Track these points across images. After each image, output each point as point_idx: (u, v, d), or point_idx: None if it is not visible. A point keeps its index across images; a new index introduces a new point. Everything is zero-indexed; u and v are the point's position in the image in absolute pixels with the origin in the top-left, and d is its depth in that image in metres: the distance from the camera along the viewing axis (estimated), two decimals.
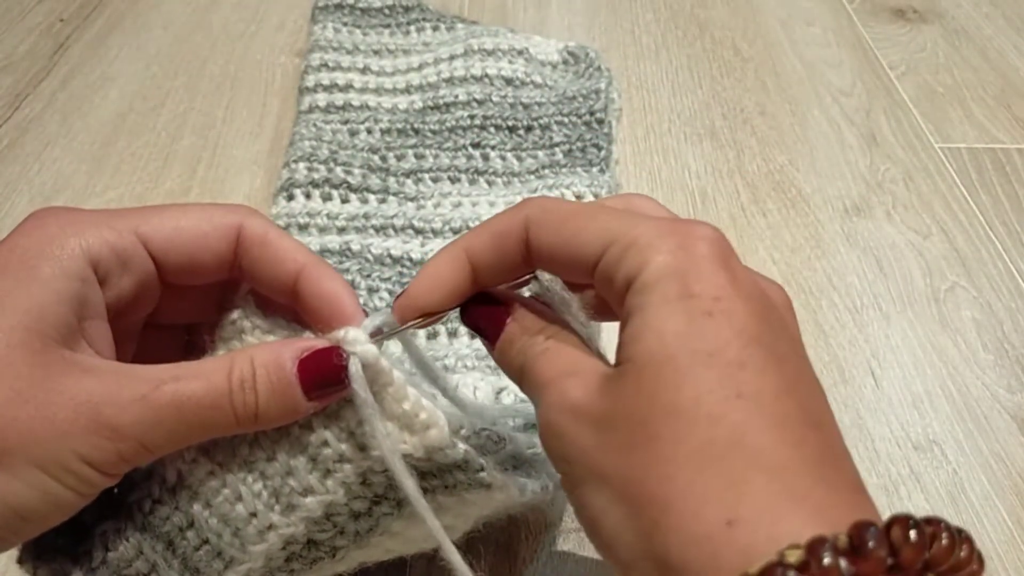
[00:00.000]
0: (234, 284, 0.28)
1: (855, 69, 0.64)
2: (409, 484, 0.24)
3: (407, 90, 0.59)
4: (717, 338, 0.20)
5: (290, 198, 0.49)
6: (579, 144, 0.53)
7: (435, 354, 0.40)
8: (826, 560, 0.16)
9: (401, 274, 0.45)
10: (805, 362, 0.22)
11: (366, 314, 0.26)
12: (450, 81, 0.58)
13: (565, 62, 0.61)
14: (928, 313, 0.46)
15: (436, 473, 0.26)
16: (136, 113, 0.60)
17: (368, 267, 0.46)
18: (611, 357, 0.24)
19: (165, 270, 0.26)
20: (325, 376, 0.24)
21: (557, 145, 0.53)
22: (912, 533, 0.17)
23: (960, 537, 0.18)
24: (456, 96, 0.56)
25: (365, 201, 0.50)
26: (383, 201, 0.50)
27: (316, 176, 0.50)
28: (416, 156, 0.53)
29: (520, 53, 0.60)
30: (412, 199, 0.50)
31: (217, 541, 0.25)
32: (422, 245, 0.47)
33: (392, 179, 0.51)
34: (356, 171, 0.51)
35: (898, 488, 0.38)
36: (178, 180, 0.54)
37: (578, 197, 0.49)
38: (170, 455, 0.25)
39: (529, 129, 0.54)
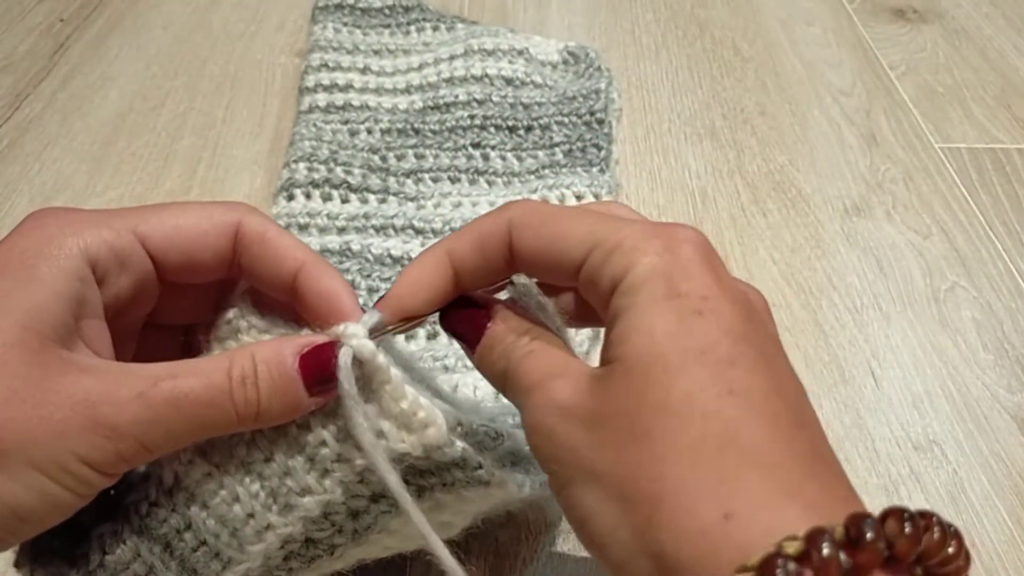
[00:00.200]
0: (232, 283, 0.28)
1: (855, 69, 0.64)
2: (392, 478, 0.23)
3: (407, 90, 0.59)
4: (707, 336, 0.20)
5: (290, 198, 0.49)
6: (579, 144, 0.53)
7: (435, 354, 0.40)
8: (825, 551, 0.17)
9: None
10: (788, 363, 0.23)
11: (364, 312, 0.26)
12: (450, 81, 0.58)
13: (565, 62, 0.61)
14: (928, 313, 0.46)
15: (434, 471, 0.26)
16: (136, 113, 0.60)
17: (368, 267, 0.46)
18: (590, 362, 0.24)
19: (164, 269, 0.26)
20: (326, 371, 0.24)
21: (557, 145, 0.53)
22: (907, 526, 0.18)
23: (950, 532, 0.18)
24: (456, 96, 0.56)
25: (365, 201, 0.50)
26: (383, 201, 0.50)
27: (316, 176, 0.50)
28: (416, 156, 0.53)
29: (520, 53, 0.60)
30: (412, 199, 0.50)
31: (215, 542, 0.25)
32: (422, 245, 0.47)
33: (392, 179, 0.51)
34: (356, 171, 0.51)
35: (898, 488, 0.38)
36: (178, 180, 0.54)
37: (578, 197, 0.49)
38: (167, 457, 0.25)
39: (529, 129, 0.54)
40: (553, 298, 0.26)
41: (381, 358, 0.24)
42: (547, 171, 0.52)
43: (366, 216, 0.49)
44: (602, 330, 0.24)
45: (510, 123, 0.54)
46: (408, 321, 0.26)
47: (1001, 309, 0.46)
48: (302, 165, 0.51)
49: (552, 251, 0.24)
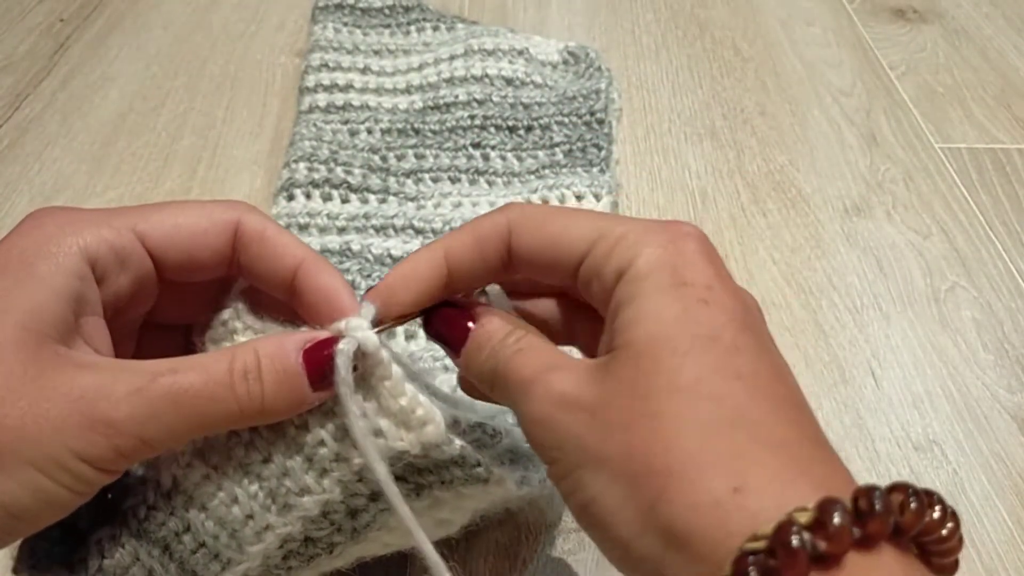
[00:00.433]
0: (229, 283, 0.28)
1: (855, 69, 0.64)
2: (381, 468, 0.23)
3: (407, 90, 0.59)
4: (714, 324, 0.21)
5: (290, 198, 0.49)
6: (579, 144, 0.53)
7: (434, 354, 0.40)
8: (837, 519, 0.17)
9: None
10: (782, 356, 0.23)
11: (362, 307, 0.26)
12: (450, 81, 0.58)
13: (565, 62, 0.61)
14: (928, 313, 0.46)
15: (432, 469, 0.26)
16: (136, 113, 0.60)
17: (368, 267, 0.46)
18: None
19: (164, 267, 0.26)
20: (329, 365, 0.24)
21: (557, 145, 0.53)
22: (912, 501, 0.18)
23: (949, 513, 0.19)
24: (456, 96, 0.56)
25: (365, 201, 0.50)
26: (383, 201, 0.50)
27: (316, 176, 0.50)
28: (416, 156, 0.53)
29: (520, 53, 0.60)
30: (412, 199, 0.50)
31: (214, 544, 0.25)
32: (422, 245, 0.47)
33: (392, 179, 0.51)
34: (356, 171, 0.51)
35: None
36: (178, 180, 0.54)
37: (578, 197, 0.49)
38: (164, 460, 0.25)
39: (529, 129, 0.54)
40: (536, 301, 0.26)
41: (384, 352, 0.24)
42: (547, 171, 0.52)
43: (366, 216, 0.49)
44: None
45: (510, 123, 0.54)
46: (402, 318, 0.26)
47: (1001, 309, 0.46)
48: (302, 165, 0.51)
49: (552, 248, 0.24)
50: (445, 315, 0.26)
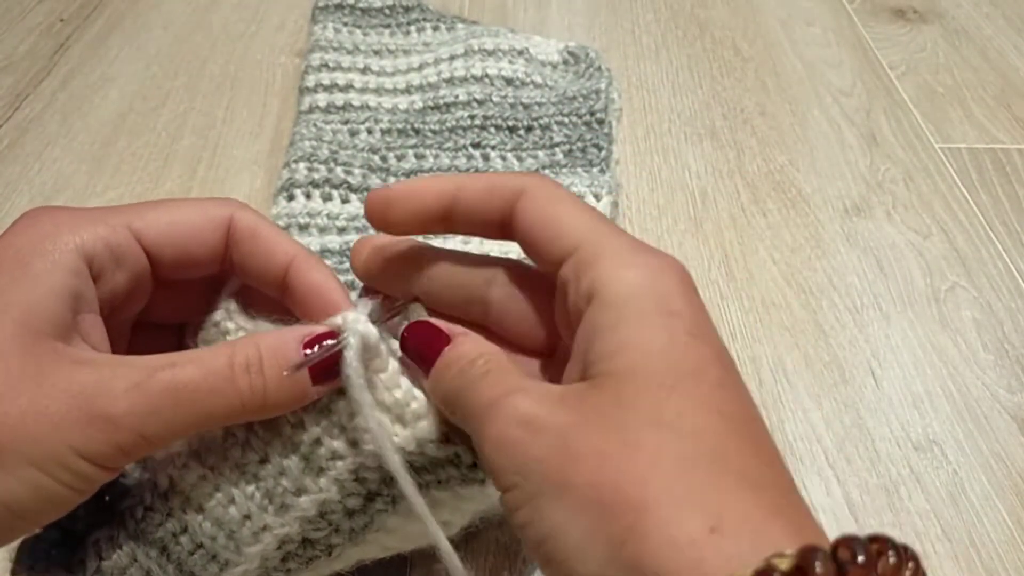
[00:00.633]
0: (221, 282, 0.28)
1: (855, 69, 0.64)
2: (394, 459, 0.23)
3: (407, 90, 0.59)
4: (700, 359, 0.21)
5: (290, 198, 0.49)
6: (579, 144, 0.53)
7: None
8: (818, 569, 0.16)
9: None
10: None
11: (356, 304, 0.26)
12: (450, 81, 0.58)
13: (565, 62, 0.61)
14: (928, 313, 0.46)
15: (429, 468, 0.26)
16: (136, 113, 0.60)
17: None
18: None
19: (159, 264, 0.26)
20: (330, 359, 0.24)
21: (557, 145, 0.53)
22: (891, 555, 0.17)
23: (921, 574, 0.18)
24: (456, 96, 0.56)
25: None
26: None
27: (316, 176, 0.50)
28: (416, 156, 0.53)
29: (520, 53, 0.60)
30: None
31: (211, 545, 0.25)
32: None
33: (392, 179, 0.51)
34: (356, 171, 0.51)
35: (898, 488, 0.38)
36: (178, 180, 0.54)
37: (578, 197, 0.49)
38: (161, 461, 0.25)
39: (529, 129, 0.54)
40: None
41: (383, 345, 0.24)
42: (547, 171, 0.52)
43: None
44: None
45: (510, 123, 0.54)
46: (393, 312, 0.26)
47: (1001, 309, 0.46)
48: (302, 165, 0.51)
49: (544, 233, 0.24)
50: (423, 330, 0.25)
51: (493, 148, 0.53)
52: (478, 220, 0.25)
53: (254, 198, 0.53)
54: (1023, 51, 0.66)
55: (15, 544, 0.26)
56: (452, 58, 0.60)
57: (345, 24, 0.64)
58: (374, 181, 0.51)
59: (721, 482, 0.19)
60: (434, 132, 0.54)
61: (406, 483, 0.24)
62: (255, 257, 0.26)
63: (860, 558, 0.17)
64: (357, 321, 0.24)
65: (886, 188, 0.54)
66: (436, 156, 0.53)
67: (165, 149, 0.57)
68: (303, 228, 0.48)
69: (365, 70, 0.60)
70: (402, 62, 0.62)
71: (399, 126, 0.55)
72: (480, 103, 0.56)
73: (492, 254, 0.29)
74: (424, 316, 0.27)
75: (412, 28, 0.65)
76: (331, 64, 0.60)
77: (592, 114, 0.55)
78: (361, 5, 0.66)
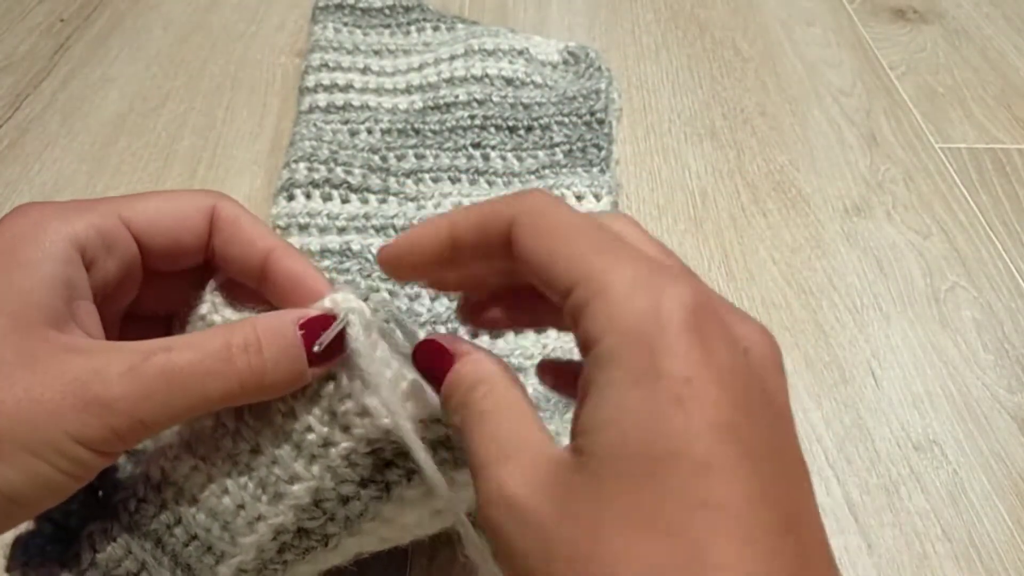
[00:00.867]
0: (208, 274, 0.28)
1: (855, 69, 0.64)
2: (407, 425, 0.24)
3: (407, 90, 0.59)
4: (686, 432, 0.18)
5: (290, 198, 0.49)
6: (579, 144, 0.53)
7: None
8: None
9: None
10: (788, 442, 0.20)
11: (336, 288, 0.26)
12: (450, 81, 0.58)
13: (565, 62, 0.61)
14: (928, 313, 0.46)
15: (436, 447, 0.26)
16: (136, 113, 0.60)
17: (368, 267, 0.46)
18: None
19: (148, 252, 0.26)
20: (332, 344, 0.24)
21: (557, 145, 0.53)
22: None
23: None
24: (456, 96, 0.56)
25: (365, 201, 0.50)
26: (383, 201, 0.50)
27: (316, 176, 0.50)
28: (416, 156, 0.53)
29: (520, 53, 0.60)
30: (412, 199, 0.50)
31: (206, 536, 0.25)
32: None
33: (392, 179, 0.51)
34: (356, 171, 0.51)
35: (898, 488, 0.38)
36: (178, 180, 0.54)
37: (578, 197, 0.49)
38: (153, 453, 0.25)
39: (529, 129, 0.54)
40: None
41: (376, 323, 0.25)
42: (547, 171, 0.52)
43: (366, 216, 0.49)
44: None
45: (510, 123, 0.54)
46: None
47: (1001, 309, 0.46)
48: (302, 165, 0.51)
49: (543, 267, 0.21)
50: (427, 349, 0.24)
51: (493, 148, 0.53)
52: (481, 257, 0.24)
53: (254, 198, 0.53)
54: (1023, 51, 0.66)
55: (8, 539, 0.26)
56: (452, 58, 0.60)
57: (345, 24, 0.64)
58: (374, 181, 0.51)
59: None
60: (434, 132, 0.54)
61: (417, 448, 0.24)
62: (235, 245, 0.27)
63: None
64: (349, 300, 0.24)
65: (886, 188, 0.54)
66: (436, 156, 0.53)
67: (165, 149, 0.57)
68: (303, 228, 0.48)
69: (365, 70, 0.60)
70: (402, 62, 0.62)
71: (399, 126, 0.55)
72: (480, 103, 0.56)
73: None
74: (391, 304, 0.26)
75: (412, 28, 0.65)
76: (331, 64, 0.60)
77: (592, 114, 0.55)
78: (361, 5, 0.66)
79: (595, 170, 0.51)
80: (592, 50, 0.61)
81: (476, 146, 0.53)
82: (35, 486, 0.21)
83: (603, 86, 0.57)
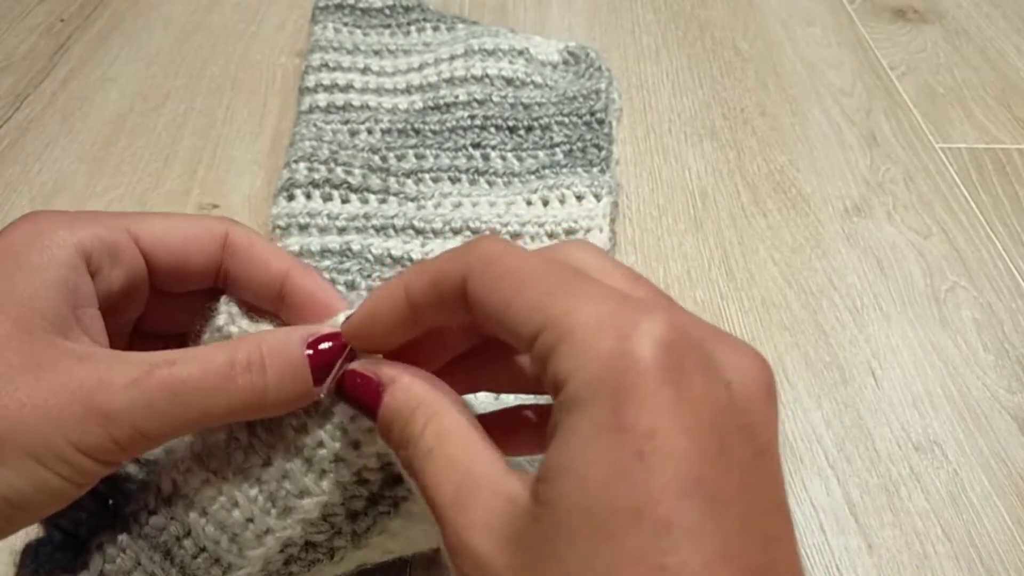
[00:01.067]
0: (217, 296, 0.28)
1: (855, 69, 0.64)
2: None
3: (407, 90, 0.59)
4: (646, 490, 0.17)
5: (290, 198, 0.49)
6: (579, 144, 0.53)
7: None
8: None
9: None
10: (765, 483, 0.18)
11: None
12: (450, 81, 0.58)
13: (565, 62, 0.61)
14: (928, 313, 0.46)
15: None
16: (136, 113, 0.60)
17: (369, 267, 0.46)
18: None
19: (155, 268, 0.26)
20: (334, 357, 0.24)
21: (557, 145, 0.53)
22: None
23: None
24: (456, 96, 0.56)
25: (365, 201, 0.50)
26: (383, 201, 0.50)
27: (316, 176, 0.50)
28: (416, 156, 0.53)
29: (520, 53, 0.60)
30: (412, 199, 0.50)
31: (215, 548, 0.25)
32: (423, 245, 0.47)
33: (392, 179, 0.51)
34: (356, 171, 0.51)
35: (899, 488, 0.38)
36: (178, 180, 0.54)
37: (578, 197, 0.49)
38: (164, 465, 0.25)
39: (529, 129, 0.54)
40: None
41: None
42: (547, 171, 0.52)
43: (366, 216, 0.49)
44: None
45: (510, 123, 0.54)
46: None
47: (1001, 309, 0.46)
48: (302, 165, 0.51)
49: (502, 320, 0.20)
50: (352, 380, 0.23)
51: (493, 148, 0.53)
52: (442, 313, 0.22)
53: (254, 198, 0.53)
54: (1023, 51, 0.66)
55: (18, 546, 0.26)
56: (452, 58, 0.60)
57: (345, 24, 0.64)
58: (374, 181, 0.51)
59: None
60: (434, 132, 0.54)
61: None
62: (251, 269, 0.27)
63: None
64: None
65: (886, 188, 0.54)
66: (436, 156, 0.53)
67: (165, 149, 0.57)
68: (303, 228, 0.48)
69: (365, 70, 0.60)
70: (402, 62, 0.62)
71: (399, 126, 0.55)
72: (480, 103, 0.56)
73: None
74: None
75: (412, 28, 0.65)
76: (331, 64, 0.60)
77: (592, 114, 0.55)
78: (361, 5, 0.66)
79: (595, 170, 0.51)
80: (592, 50, 0.61)
81: (476, 146, 0.53)
82: (37, 491, 0.21)
83: (603, 86, 0.57)
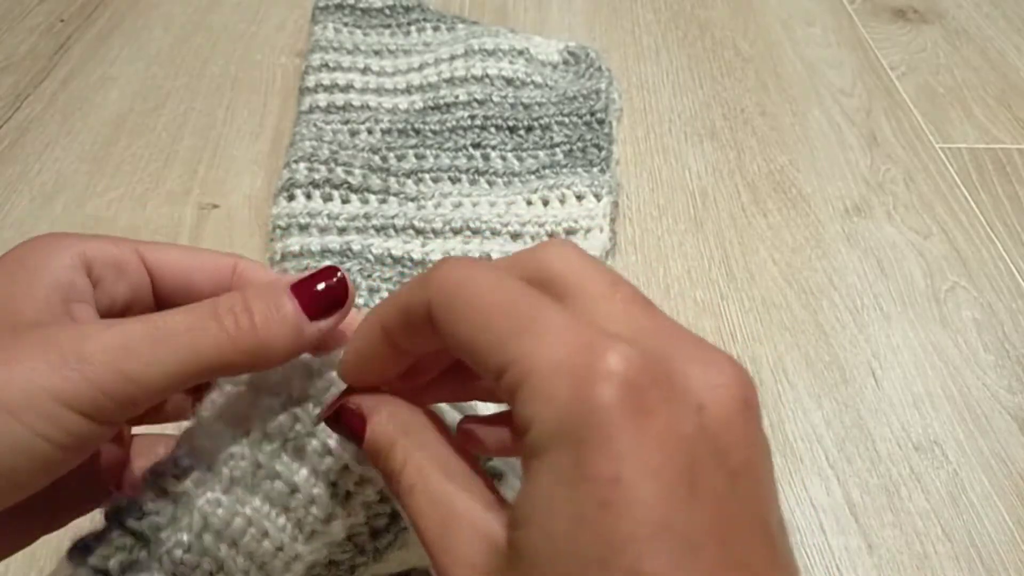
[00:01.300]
0: None
1: (856, 69, 0.64)
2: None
3: (408, 90, 0.59)
4: (612, 538, 0.16)
5: (291, 198, 0.49)
6: (580, 144, 0.53)
7: None
8: None
9: (402, 274, 0.45)
10: (743, 508, 0.18)
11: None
12: (451, 81, 0.58)
13: (565, 62, 0.61)
14: (929, 313, 0.46)
15: None
16: (137, 113, 0.60)
17: (369, 267, 0.46)
18: None
19: (160, 289, 0.27)
20: (329, 293, 0.24)
21: (558, 145, 0.53)
22: None
23: None
24: (456, 96, 0.56)
25: (366, 201, 0.50)
26: (384, 201, 0.50)
27: (317, 176, 0.50)
28: (417, 156, 0.53)
29: (520, 53, 0.60)
30: (413, 199, 0.50)
31: None
32: (423, 245, 0.47)
33: (393, 179, 0.51)
34: (357, 171, 0.51)
35: (899, 488, 0.38)
36: (178, 180, 0.54)
37: (579, 197, 0.49)
38: (193, 498, 0.25)
39: (530, 129, 0.54)
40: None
41: None
42: (547, 171, 0.52)
43: (367, 216, 0.49)
44: None
45: (510, 123, 0.54)
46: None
47: (1002, 309, 0.46)
48: (302, 165, 0.51)
49: (468, 355, 0.20)
50: (340, 414, 0.23)
51: (493, 148, 0.53)
52: (417, 344, 0.22)
53: (254, 198, 0.53)
54: (1023, 51, 0.66)
55: (41, 565, 0.25)
56: (452, 58, 0.60)
57: (345, 24, 0.64)
58: (374, 181, 0.51)
59: None
60: (434, 132, 0.54)
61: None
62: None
63: None
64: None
65: (886, 188, 0.54)
66: (436, 156, 0.53)
67: (165, 149, 0.57)
68: (303, 228, 0.48)
69: (365, 70, 0.60)
70: (402, 62, 0.62)
71: (399, 126, 0.55)
72: (480, 103, 0.56)
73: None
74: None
75: (412, 28, 0.65)
76: (331, 64, 0.60)
77: (592, 114, 0.55)
78: (361, 5, 0.66)
79: (595, 170, 0.51)
80: (592, 50, 0.61)
81: (476, 146, 0.53)
82: (15, 453, 0.20)
83: (603, 86, 0.57)
